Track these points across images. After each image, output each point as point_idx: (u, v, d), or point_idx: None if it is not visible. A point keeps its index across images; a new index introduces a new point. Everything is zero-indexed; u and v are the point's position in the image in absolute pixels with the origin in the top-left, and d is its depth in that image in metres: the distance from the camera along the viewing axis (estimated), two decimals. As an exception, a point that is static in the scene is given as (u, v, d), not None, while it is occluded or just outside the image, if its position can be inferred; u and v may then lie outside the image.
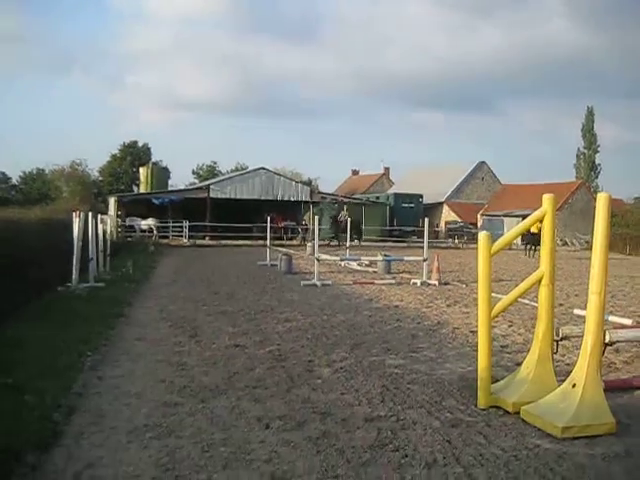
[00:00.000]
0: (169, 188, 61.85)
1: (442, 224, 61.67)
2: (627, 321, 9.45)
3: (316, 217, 18.27)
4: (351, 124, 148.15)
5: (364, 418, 5.55)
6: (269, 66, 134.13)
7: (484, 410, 5.81)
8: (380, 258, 20.38)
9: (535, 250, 36.68)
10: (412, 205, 52.37)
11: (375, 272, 20.37)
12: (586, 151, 78.11)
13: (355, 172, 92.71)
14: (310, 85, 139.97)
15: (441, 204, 65.96)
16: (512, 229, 6.24)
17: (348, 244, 26.74)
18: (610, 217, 5.39)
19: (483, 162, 73.21)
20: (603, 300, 5.41)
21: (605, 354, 7.83)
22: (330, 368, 7.29)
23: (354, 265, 22.07)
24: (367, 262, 21.85)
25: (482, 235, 5.80)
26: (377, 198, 56.18)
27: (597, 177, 78.44)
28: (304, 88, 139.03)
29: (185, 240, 41.07)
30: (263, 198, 48.59)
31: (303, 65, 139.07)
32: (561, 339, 6.07)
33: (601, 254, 5.41)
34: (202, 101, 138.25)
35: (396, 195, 54.77)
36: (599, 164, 78.22)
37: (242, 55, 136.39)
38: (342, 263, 22.36)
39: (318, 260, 17.12)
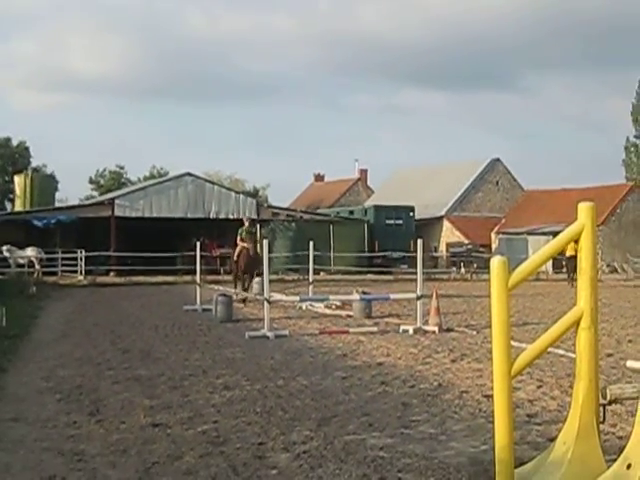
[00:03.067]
0: (57, 204, 61.56)
1: (443, 247, 62.11)
2: None
3: (265, 241, 18.28)
4: (314, 110, 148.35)
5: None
6: (196, 30, 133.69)
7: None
8: (357, 297, 20.41)
9: (574, 279, 37.19)
10: (400, 222, 52.74)
11: (350, 316, 20.41)
12: (639, 142, 79.16)
13: (319, 177, 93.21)
14: (256, 56, 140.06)
15: (440, 219, 66.43)
16: (538, 251, 6.29)
17: (311, 278, 26.72)
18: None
19: (498, 160, 73.65)
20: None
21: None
22: (289, 453, 7.27)
23: (320, 307, 22.11)
24: (338, 303, 21.90)
25: (496, 261, 5.80)
26: (351, 213, 56.56)
27: (655, 177, 79.43)
28: (247, 60, 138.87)
29: (81, 277, 40.86)
30: (190, 216, 48.76)
31: (245, 27, 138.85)
32: (609, 403, 6.12)
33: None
34: (100, 81, 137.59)
35: (377, 208, 55.08)
36: (657, 158, 79.28)
37: (156, 14, 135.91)
38: (303, 305, 22.40)
39: (269, 302, 17.11)
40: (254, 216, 48.88)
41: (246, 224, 26.99)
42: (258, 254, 24.57)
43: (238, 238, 26.15)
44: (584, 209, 6.04)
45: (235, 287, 26.27)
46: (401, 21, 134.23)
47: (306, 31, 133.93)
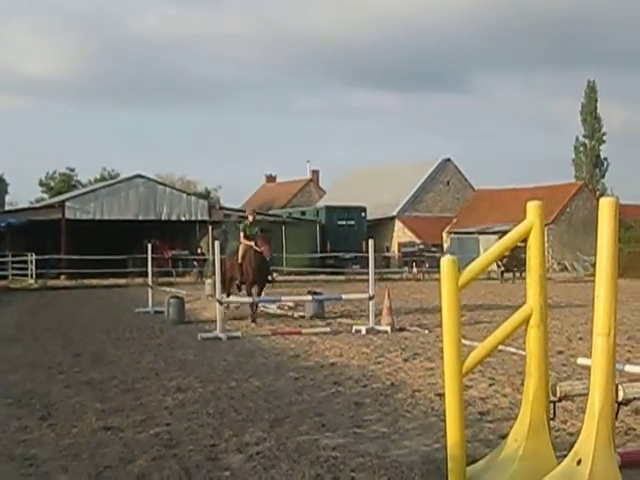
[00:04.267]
0: (6, 207, 60.99)
1: (395, 247, 62.31)
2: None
3: (217, 243, 18.21)
4: (265, 112, 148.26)
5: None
6: (147, 31, 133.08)
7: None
8: (309, 298, 20.42)
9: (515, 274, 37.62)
10: (352, 222, 52.82)
11: (302, 317, 20.42)
12: (588, 141, 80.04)
13: (271, 178, 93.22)
14: (206, 57, 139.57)
15: (392, 219, 66.68)
16: (487, 250, 6.34)
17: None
18: (618, 230, 5.54)
19: (449, 160, 74.19)
20: (613, 343, 5.54)
21: (620, 417, 8.06)
22: (242, 454, 7.25)
23: (273, 308, 22.09)
24: (291, 304, 21.88)
25: (446, 261, 5.83)
26: (303, 214, 56.55)
27: (603, 176, 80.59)
28: (198, 61, 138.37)
29: (31, 281, 40.50)
30: (142, 218, 48.53)
31: (195, 29, 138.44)
32: (560, 399, 6.17)
33: (608, 281, 5.54)
34: (49, 83, 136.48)
35: (329, 209, 55.14)
36: (605, 158, 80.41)
37: (105, 15, 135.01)
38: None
39: (221, 303, 17.05)
40: (205, 218, 48.78)
41: (250, 218, 21.98)
42: (266, 259, 20.65)
43: (241, 235, 21.38)
44: (532, 208, 6.08)
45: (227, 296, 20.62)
46: (351, 22, 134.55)
47: (257, 32, 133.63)
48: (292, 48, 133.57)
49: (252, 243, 20.56)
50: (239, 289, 21.83)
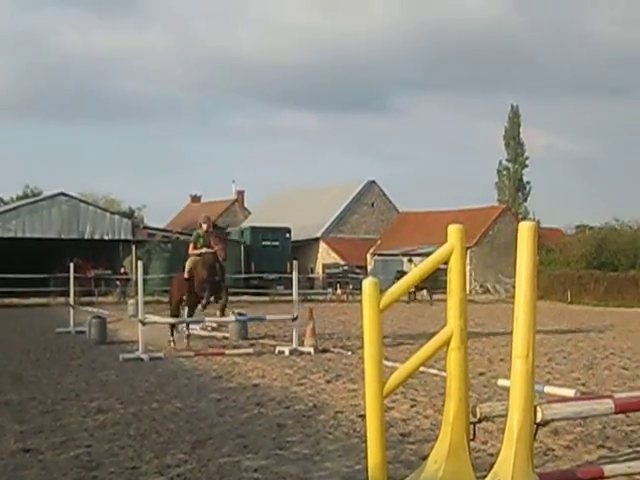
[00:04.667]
0: None
1: (319, 268, 62.36)
2: (569, 392, 9.90)
3: (141, 262, 18.08)
4: (190, 131, 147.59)
5: None
6: (71, 47, 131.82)
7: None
8: (232, 318, 20.34)
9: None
10: (276, 243, 52.79)
11: (226, 338, 20.35)
12: (511, 165, 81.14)
13: (196, 198, 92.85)
14: (131, 74, 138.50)
15: (317, 241, 66.64)
16: (409, 273, 6.41)
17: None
18: (536, 253, 5.64)
19: (373, 182, 74.41)
20: (532, 365, 5.63)
21: (539, 438, 8.17)
22: (163, 476, 7.19)
23: (196, 330, 21.97)
24: (214, 324, 21.81)
25: (367, 283, 5.88)
26: (227, 234, 56.31)
27: (525, 200, 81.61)
28: (122, 79, 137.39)
29: (-52, 300, 39.73)
30: (64, 236, 47.97)
31: (120, 45, 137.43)
32: (480, 420, 6.24)
33: (527, 304, 5.64)
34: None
35: (253, 229, 55.16)
36: (528, 182, 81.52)
37: (29, 30, 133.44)
38: (179, 327, 22.23)
39: (143, 324, 16.91)
40: (128, 237, 48.39)
41: (204, 227, 18.39)
42: (220, 262, 18.03)
43: (190, 247, 18.56)
44: (453, 231, 6.17)
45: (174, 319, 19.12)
46: (275, 43, 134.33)
47: (182, 51, 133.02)
48: (217, 69, 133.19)
49: (202, 250, 17.85)
50: (190, 312, 19.17)
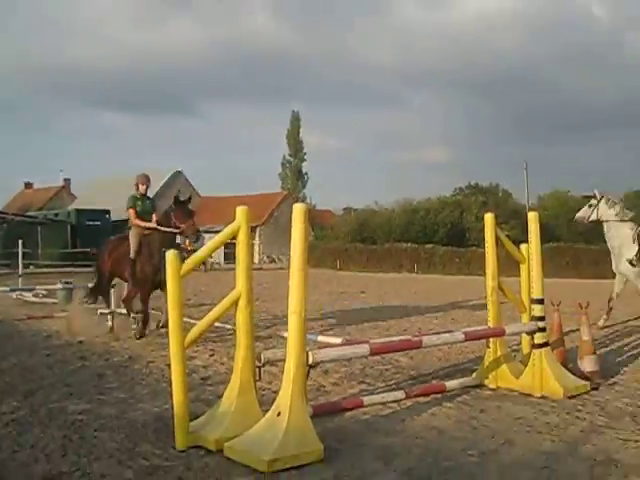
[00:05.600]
0: None
1: (135, 243, 61.44)
2: (336, 340, 10.16)
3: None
4: (29, 129, 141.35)
5: (42, 477, 5.37)
6: None
7: (183, 452, 5.88)
8: (59, 286, 19.76)
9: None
10: (98, 223, 51.33)
11: (55, 303, 19.72)
12: (292, 159, 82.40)
13: (29, 185, 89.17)
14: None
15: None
16: (205, 246, 6.43)
17: (21, 271, 25.49)
18: (308, 229, 5.79)
19: (179, 172, 74.16)
20: (303, 319, 5.77)
21: (312, 377, 8.37)
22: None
23: (29, 297, 21.17)
24: (44, 292, 21.09)
25: (170, 254, 5.92)
26: (56, 215, 54.46)
27: (304, 187, 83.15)
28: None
29: None
30: None
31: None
32: (263, 365, 6.34)
33: (299, 270, 5.78)
34: None
35: (78, 211, 53.49)
36: (306, 173, 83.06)
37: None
38: (14, 295, 21.34)
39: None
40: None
41: (141, 188, 13.15)
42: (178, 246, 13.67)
43: (131, 213, 12.84)
44: (240, 212, 6.25)
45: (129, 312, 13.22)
46: (99, 53, 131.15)
47: (20, 60, 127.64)
48: (50, 74, 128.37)
49: (153, 224, 12.32)
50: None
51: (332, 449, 5.83)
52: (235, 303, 6.21)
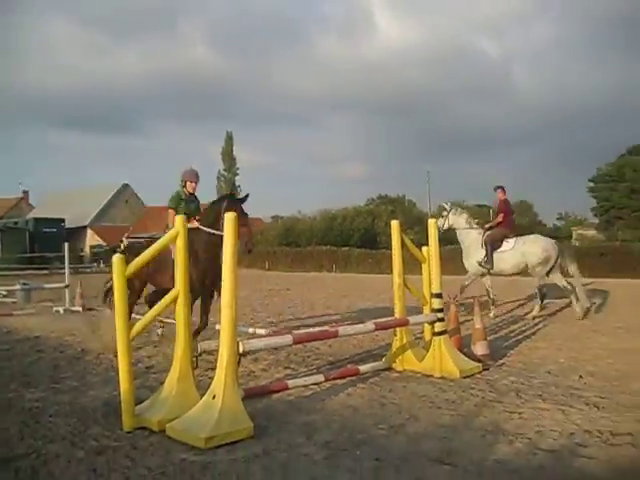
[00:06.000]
0: None
1: (87, 249, 60.42)
2: (262, 331, 10.16)
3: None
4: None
5: (1, 459, 5.22)
6: None
7: (130, 433, 5.81)
8: (18, 287, 19.25)
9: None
10: (54, 230, 50.23)
11: (14, 302, 19.21)
12: (226, 173, 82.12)
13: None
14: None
15: (85, 228, 64.66)
16: (146, 250, 6.32)
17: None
18: (236, 235, 5.77)
19: (127, 184, 73.68)
20: (235, 313, 5.76)
21: (244, 364, 8.35)
22: (-40, 411, 6.71)
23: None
24: (4, 292, 20.52)
25: (115, 258, 5.84)
26: (15, 223, 53.10)
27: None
28: None
29: None
30: None
31: None
32: (200, 354, 6.30)
33: (230, 270, 5.77)
34: None
35: (36, 220, 52.30)
36: (239, 185, 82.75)
37: None
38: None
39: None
40: None
41: (189, 187, 10.14)
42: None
43: (171, 215, 9.84)
44: (179, 220, 6.21)
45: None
46: (54, 79, 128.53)
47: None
48: (6, 96, 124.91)
49: (196, 223, 9.05)
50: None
51: (261, 427, 5.83)
52: (175, 300, 6.16)
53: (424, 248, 8.48)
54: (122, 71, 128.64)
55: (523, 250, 13.52)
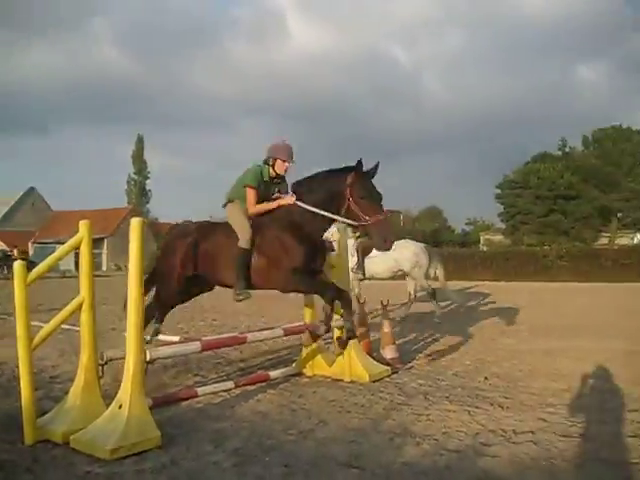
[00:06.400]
0: None
1: None
2: (174, 338, 10.00)
3: None
4: None
5: None
6: None
7: (32, 446, 5.61)
8: None
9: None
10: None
11: None
12: (137, 177, 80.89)
13: None
14: None
15: (-15, 233, 62.77)
16: (50, 256, 6.15)
17: None
18: (142, 242, 5.66)
19: (33, 188, 71.81)
20: (141, 320, 5.67)
21: (155, 372, 8.20)
22: None
23: None
24: None
25: (16, 265, 5.67)
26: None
27: (148, 202, 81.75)
28: None
29: None
30: None
31: None
32: (106, 363, 6.14)
33: (136, 277, 5.67)
34: None
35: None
36: (149, 190, 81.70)
37: None
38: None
39: None
40: None
41: (280, 166, 7.29)
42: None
43: (250, 193, 7.25)
44: (83, 225, 6.04)
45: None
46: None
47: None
48: None
49: (292, 198, 7.01)
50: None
51: (170, 436, 5.75)
52: (79, 307, 6.01)
53: (332, 254, 8.46)
54: (26, 70, 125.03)
55: (395, 256, 13.80)
